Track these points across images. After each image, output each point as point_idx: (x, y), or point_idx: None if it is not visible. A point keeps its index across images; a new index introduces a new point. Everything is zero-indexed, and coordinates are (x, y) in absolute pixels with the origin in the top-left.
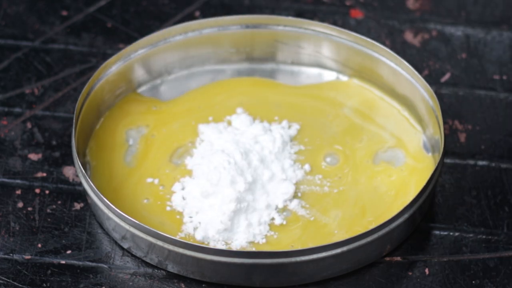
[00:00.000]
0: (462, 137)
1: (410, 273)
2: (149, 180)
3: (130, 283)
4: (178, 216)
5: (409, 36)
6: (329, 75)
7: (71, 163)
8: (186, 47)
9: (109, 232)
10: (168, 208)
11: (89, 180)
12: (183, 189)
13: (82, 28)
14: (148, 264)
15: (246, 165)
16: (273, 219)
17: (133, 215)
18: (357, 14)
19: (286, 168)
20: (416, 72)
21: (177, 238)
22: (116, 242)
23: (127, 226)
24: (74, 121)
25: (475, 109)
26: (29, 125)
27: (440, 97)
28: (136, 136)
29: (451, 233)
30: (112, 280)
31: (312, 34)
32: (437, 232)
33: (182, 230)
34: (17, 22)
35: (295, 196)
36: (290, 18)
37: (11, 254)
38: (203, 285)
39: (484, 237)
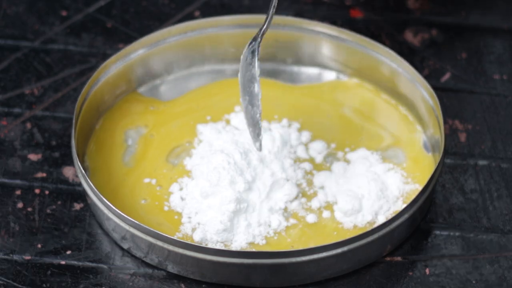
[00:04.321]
0: (462, 137)
1: (410, 273)
2: (147, 180)
3: (130, 284)
4: (176, 217)
5: (409, 36)
6: (329, 75)
7: (71, 163)
8: (186, 47)
9: (109, 232)
10: (166, 209)
11: (88, 180)
12: (181, 189)
13: (82, 28)
14: (148, 265)
15: (245, 165)
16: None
17: (131, 215)
18: (357, 14)
19: (286, 168)
20: (416, 72)
21: (176, 238)
22: (116, 243)
23: (127, 227)
24: (73, 121)
25: (475, 109)
26: (28, 125)
27: (440, 97)
28: (135, 136)
29: (452, 233)
30: (112, 280)
31: (312, 34)
32: (437, 232)
33: (180, 230)
34: (17, 23)
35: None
36: (290, 18)
37: (11, 255)
38: (203, 286)
39: (484, 237)
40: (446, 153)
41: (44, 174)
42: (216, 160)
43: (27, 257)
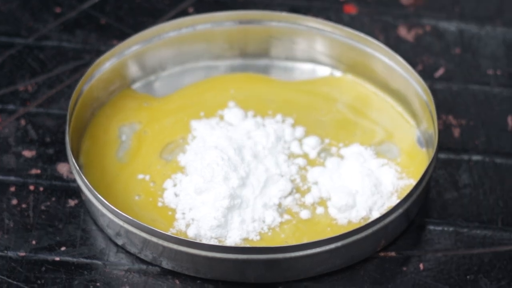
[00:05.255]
0: (456, 132)
1: (404, 269)
2: (140, 176)
3: (125, 280)
4: (170, 213)
5: (403, 31)
6: (323, 71)
7: (65, 160)
8: (180, 43)
9: (103, 228)
10: (160, 205)
11: (83, 177)
12: (175, 185)
13: (76, 25)
14: (142, 261)
15: (239, 161)
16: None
17: (126, 211)
18: (351, 9)
19: (280, 163)
20: (410, 67)
21: (170, 234)
22: (110, 239)
23: (121, 223)
24: (67, 118)
25: (469, 104)
26: (23, 122)
27: (434, 92)
28: (129, 133)
29: (446, 228)
30: (106, 276)
31: (306, 30)
32: (431, 227)
33: (174, 226)
34: (11, 19)
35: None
36: (284, 13)
37: (6, 251)
38: (198, 281)
39: (478, 232)
40: (440, 148)
41: (39, 171)
42: (210, 156)
43: (22, 254)
